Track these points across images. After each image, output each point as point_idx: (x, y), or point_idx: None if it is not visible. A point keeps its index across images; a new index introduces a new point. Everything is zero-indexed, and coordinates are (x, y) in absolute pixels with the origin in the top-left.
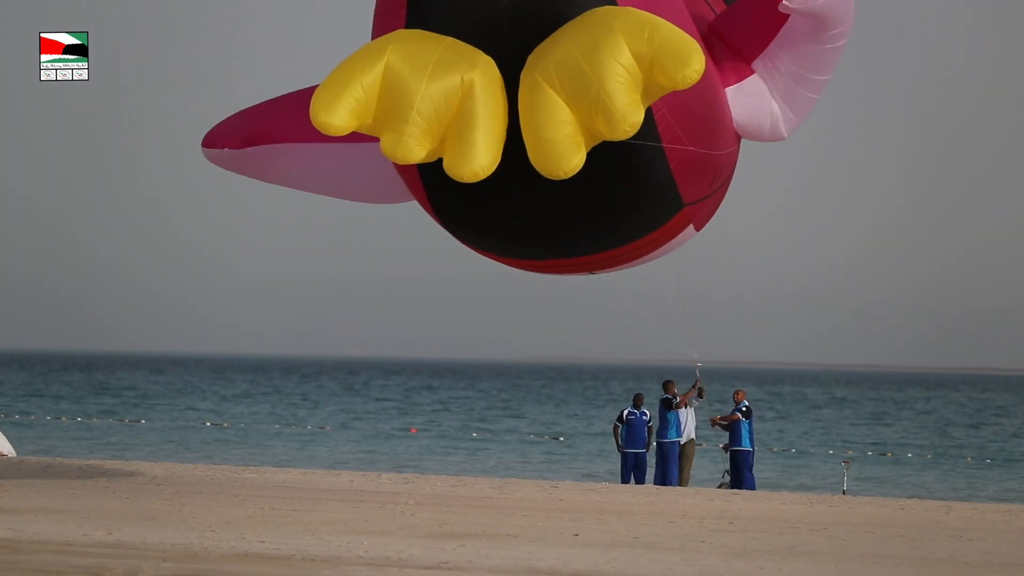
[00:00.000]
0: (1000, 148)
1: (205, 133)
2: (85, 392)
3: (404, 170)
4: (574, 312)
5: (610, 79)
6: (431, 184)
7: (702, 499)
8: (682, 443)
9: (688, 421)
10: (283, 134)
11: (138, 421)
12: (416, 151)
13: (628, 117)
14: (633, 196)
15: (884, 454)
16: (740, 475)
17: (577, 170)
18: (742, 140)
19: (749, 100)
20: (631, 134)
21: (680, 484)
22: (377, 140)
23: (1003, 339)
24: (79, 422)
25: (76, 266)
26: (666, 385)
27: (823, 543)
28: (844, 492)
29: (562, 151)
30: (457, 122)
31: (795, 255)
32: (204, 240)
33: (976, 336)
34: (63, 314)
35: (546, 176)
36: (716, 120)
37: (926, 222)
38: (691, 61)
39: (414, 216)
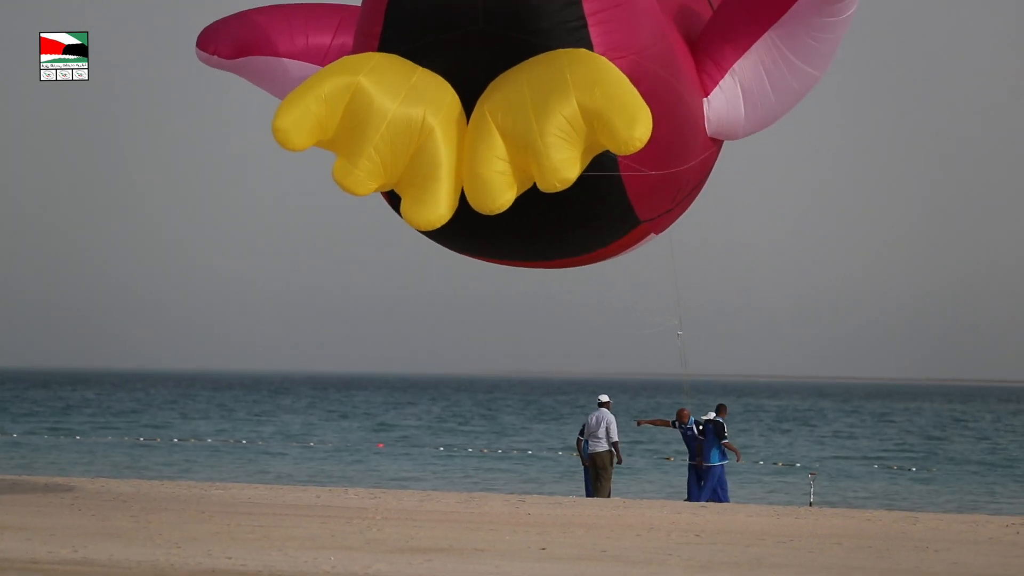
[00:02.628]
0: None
1: (196, 38)
2: (46, 409)
3: None
4: (566, 328)
5: (550, 131)
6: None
7: (669, 512)
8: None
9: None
10: (274, 46)
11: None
12: (367, 185)
13: (559, 173)
14: (586, 218)
15: (849, 466)
16: (711, 490)
17: (506, 208)
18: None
19: (729, 101)
20: (560, 189)
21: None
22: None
23: (996, 351)
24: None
25: (73, 277)
26: (719, 408)
27: (790, 555)
28: (811, 504)
29: (492, 189)
30: (416, 167)
31: (803, 269)
32: (191, 242)
33: (973, 348)
34: (59, 327)
35: (477, 210)
36: (682, 142)
37: (937, 235)
38: (636, 126)
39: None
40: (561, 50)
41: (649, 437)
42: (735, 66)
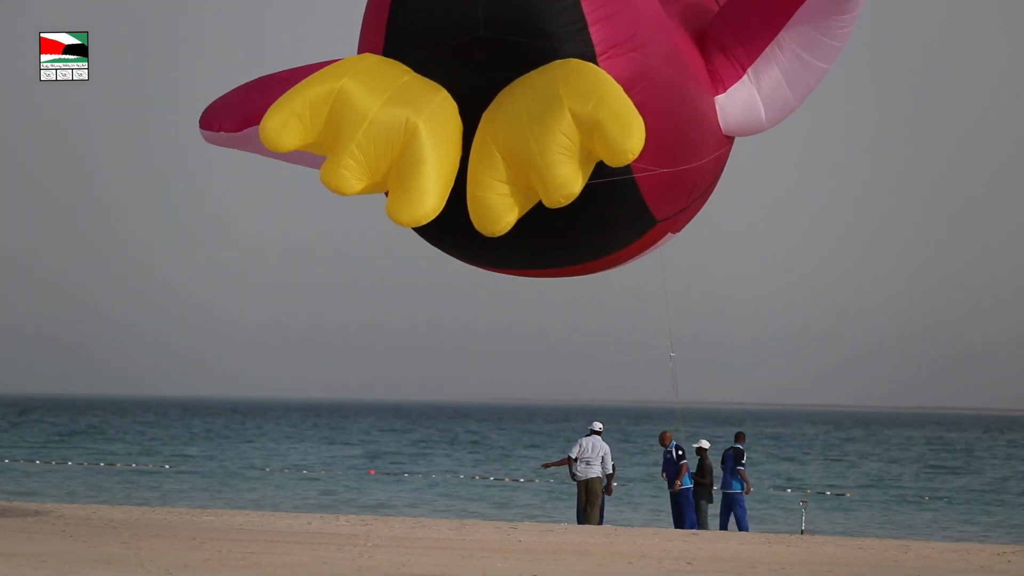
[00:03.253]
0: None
1: (199, 119)
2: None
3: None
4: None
5: (550, 148)
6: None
7: (661, 539)
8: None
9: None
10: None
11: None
12: (353, 184)
13: (564, 188)
14: (602, 220)
15: (842, 494)
16: (682, 514)
17: (507, 230)
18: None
19: (746, 99)
20: (565, 204)
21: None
22: None
23: (989, 379)
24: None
25: (62, 299)
26: (738, 436)
27: None
28: (802, 532)
29: (495, 212)
30: (401, 165)
31: (792, 297)
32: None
33: (967, 376)
34: (46, 353)
35: (481, 232)
36: (691, 138)
37: (927, 262)
38: (630, 137)
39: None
40: (556, 62)
41: (653, 460)
42: (751, 67)
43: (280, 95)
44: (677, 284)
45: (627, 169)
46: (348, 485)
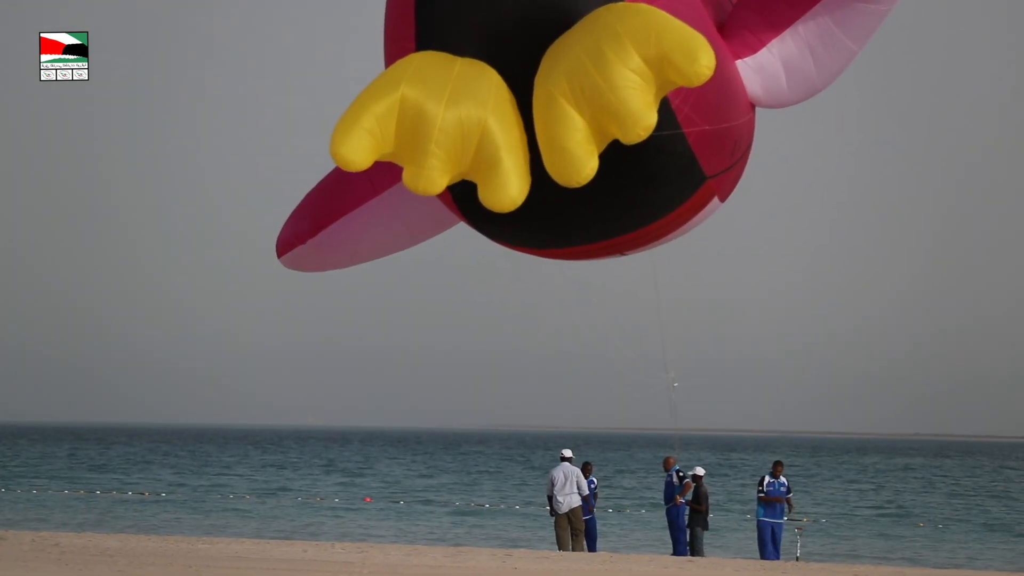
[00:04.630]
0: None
1: (275, 248)
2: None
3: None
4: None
5: (620, 84)
6: (457, 197)
7: (656, 567)
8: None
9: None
10: (345, 205)
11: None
12: (439, 182)
13: (641, 121)
14: (653, 176)
15: (841, 522)
16: (678, 528)
17: (591, 177)
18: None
19: (766, 66)
20: (645, 136)
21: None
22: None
23: (995, 406)
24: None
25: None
26: (776, 466)
27: None
28: (797, 558)
29: (577, 161)
30: (482, 153)
31: (793, 323)
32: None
33: (959, 404)
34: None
35: (562, 184)
36: (730, 95)
37: (930, 292)
38: (700, 58)
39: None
40: (599, 9)
41: (645, 485)
42: (774, 39)
43: (339, 187)
44: (682, 310)
45: (676, 123)
46: (344, 512)
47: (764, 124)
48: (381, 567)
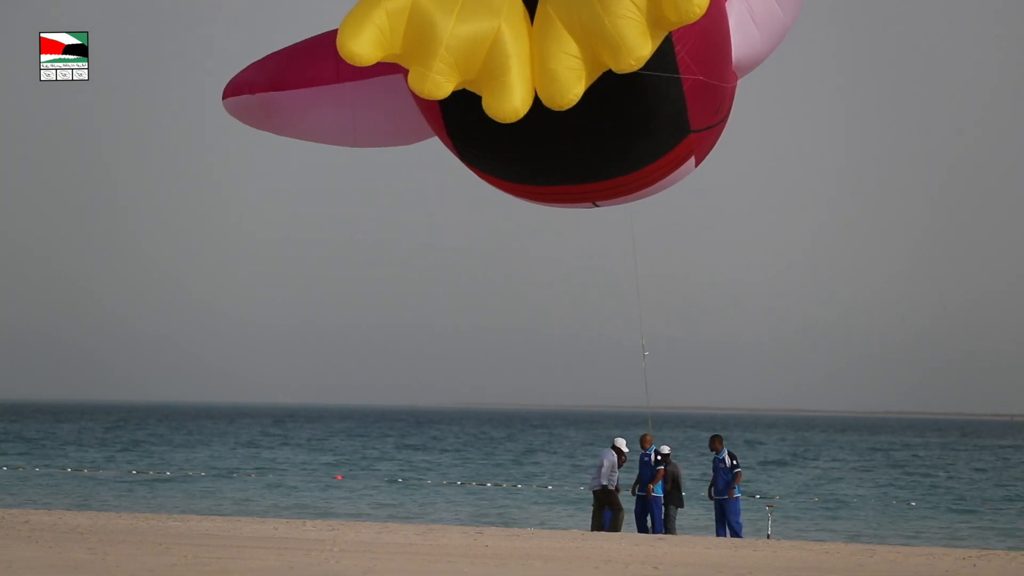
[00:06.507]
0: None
1: (223, 88)
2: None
3: (423, 101)
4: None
5: (617, 12)
6: (448, 109)
7: (627, 544)
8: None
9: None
10: (308, 78)
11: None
12: (444, 87)
13: (635, 51)
14: (646, 119)
15: (813, 498)
16: (651, 516)
17: (575, 102)
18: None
19: (737, 18)
20: (636, 68)
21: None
22: (394, 74)
23: (985, 385)
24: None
25: (71, 309)
26: (713, 441)
27: None
28: (768, 536)
29: (563, 83)
30: (491, 63)
31: (792, 303)
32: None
33: (965, 382)
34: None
35: (547, 105)
36: (723, 51)
37: (928, 270)
38: None
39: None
40: None
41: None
42: None
43: (308, 59)
44: (685, 291)
45: (674, 67)
46: (314, 490)
47: (760, 105)
48: (352, 544)
